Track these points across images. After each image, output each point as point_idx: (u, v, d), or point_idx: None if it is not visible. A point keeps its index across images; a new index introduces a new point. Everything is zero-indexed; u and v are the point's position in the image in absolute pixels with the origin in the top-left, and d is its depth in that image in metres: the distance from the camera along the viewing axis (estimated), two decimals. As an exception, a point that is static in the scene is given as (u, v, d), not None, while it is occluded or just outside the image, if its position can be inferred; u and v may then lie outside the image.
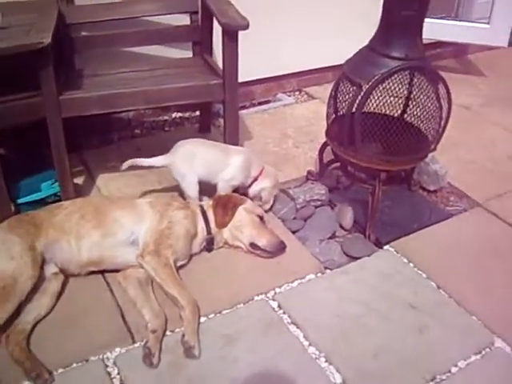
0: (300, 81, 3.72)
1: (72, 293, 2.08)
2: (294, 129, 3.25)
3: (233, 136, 2.51)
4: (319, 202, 2.55)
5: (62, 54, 2.64)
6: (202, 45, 2.81)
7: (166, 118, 3.34)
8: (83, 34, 2.75)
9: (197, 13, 2.77)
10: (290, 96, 3.69)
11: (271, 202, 2.46)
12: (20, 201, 2.39)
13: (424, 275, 2.20)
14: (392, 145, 2.24)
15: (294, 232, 2.41)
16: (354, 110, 2.19)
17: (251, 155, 2.48)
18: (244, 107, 3.53)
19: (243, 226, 2.24)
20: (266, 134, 3.19)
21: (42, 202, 2.39)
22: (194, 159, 2.35)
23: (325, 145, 2.57)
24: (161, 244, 2.06)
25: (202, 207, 2.29)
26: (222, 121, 3.29)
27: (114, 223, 2.11)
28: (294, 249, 2.30)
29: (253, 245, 2.23)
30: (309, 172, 2.73)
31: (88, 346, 1.87)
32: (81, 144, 2.99)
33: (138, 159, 2.36)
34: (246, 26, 2.24)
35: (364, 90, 2.15)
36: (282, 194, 2.61)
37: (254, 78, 3.49)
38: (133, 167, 2.38)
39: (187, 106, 3.30)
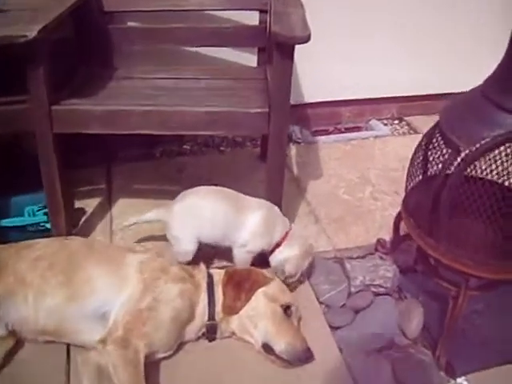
0: (401, 107, 2.96)
1: (17, 365, 1.57)
2: (378, 171, 2.51)
3: (274, 186, 1.82)
4: (382, 289, 1.86)
5: (94, 48, 2.16)
6: (269, 53, 2.17)
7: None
8: (125, 25, 2.25)
9: (267, 12, 2.13)
10: (386, 125, 2.94)
11: (297, 277, 1.79)
12: (3, 223, 1.92)
13: None
14: (499, 239, 1.49)
15: (336, 328, 1.75)
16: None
17: (275, 212, 1.83)
18: (325, 132, 2.86)
19: (259, 317, 1.60)
20: (340, 174, 2.49)
21: (26, 231, 1.92)
22: (195, 217, 1.74)
23: (403, 212, 1.85)
24: (133, 330, 1.49)
25: (210, 278, 1.69)
26: (293, 147, 2.71)
27: (85, 284, 1.58)
28: (327, 359, 1.62)
29: (266, 346, 1.59)
30: (379, 241, 2.02)
31: None
32: (115, 156, 2.50)
33: (134, 218, 1.92)
34: (305, 39, 1.56)
35: (462, 156, 1.42)
36: (336, 266, 1.95)
37: (343, 99, 2.81)
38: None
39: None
